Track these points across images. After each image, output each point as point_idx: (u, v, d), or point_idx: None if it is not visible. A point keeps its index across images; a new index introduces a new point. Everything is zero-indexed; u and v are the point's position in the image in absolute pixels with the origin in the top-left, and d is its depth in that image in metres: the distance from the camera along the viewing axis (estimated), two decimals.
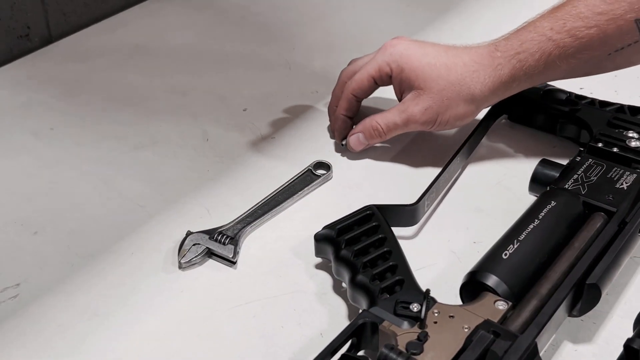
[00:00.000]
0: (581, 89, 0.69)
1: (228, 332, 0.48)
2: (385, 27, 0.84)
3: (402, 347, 0.41)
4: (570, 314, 0.47)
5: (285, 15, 0.87)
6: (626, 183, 0.54)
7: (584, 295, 0.46)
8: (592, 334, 0.49)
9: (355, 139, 0.62)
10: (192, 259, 0.53)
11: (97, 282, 0.52)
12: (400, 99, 0.61)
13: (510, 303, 0.44)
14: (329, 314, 0.50)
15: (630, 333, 0.42)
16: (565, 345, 0.48)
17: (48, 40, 0.80)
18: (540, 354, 0.47)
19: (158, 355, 0.47)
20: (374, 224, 0.51)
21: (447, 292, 0.48)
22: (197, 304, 0.50)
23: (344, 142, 0.64)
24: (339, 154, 0.64)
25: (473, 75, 0.58)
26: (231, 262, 0.53)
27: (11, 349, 0.47)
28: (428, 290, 0.45)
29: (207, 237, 0.54)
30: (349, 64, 0.65)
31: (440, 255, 0.54)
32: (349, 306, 0.50)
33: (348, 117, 0.64)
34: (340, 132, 0.64)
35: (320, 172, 0.61)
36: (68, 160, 0.64)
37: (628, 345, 0.37)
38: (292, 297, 0.51)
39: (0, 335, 0.48)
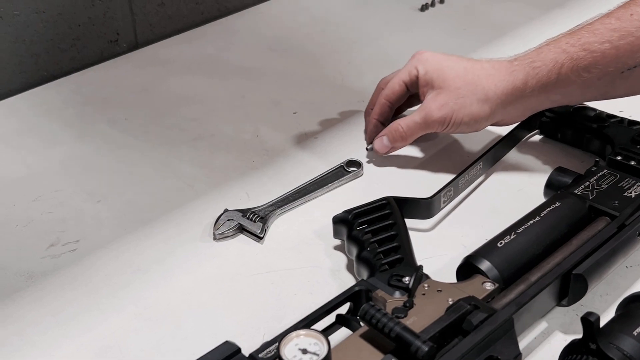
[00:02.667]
0: (620, 111, 0.71)
1: (247, 294, 0.55)
2: (437, 48, 0.89)
3: (389, 311, 0.46)
4: (559, 304, 0.50)
5: (345, 33, 0.94)
6: (635, 192, 0.57)
7: (571, 285, 0.49)
8: None
9: (380, 142, 0.67)
10: (225, 232, 0.59)
11: (143, 243, 0.59)
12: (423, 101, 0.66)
13: (497, 285, 0.48)
14: (338, 287, 0.55)
15: None
16: (555, 334, 0.51)
17: (135, 46, 0.90)
18: (529, 340, 0.50)
19: (183, 305, 0.54)
20: (387, 211, 0.56)
21: (451, 279, 0.52)
22: (224, 269, 0.57)
23: (370, 147, 0.68)
24: (373, 157, 0.70)
25: (489, 78, 0.62)
26: (259, 238, 0.59)
27: (65, 291, 0.55)
28: (421, 266, 0.49)
29: (240, 214, 0.61)
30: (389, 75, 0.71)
31: (451, 248, 0.58)
32: None
33: (380, 122, 0.69)
34: (370, 136, 0.69)
35: (351, 169, 0.67)
36: (135, 144, 0.73)
37: (585, 318, 0.40)
38: (309, 270, 0.57)
39: (56, 279, 0.56)
